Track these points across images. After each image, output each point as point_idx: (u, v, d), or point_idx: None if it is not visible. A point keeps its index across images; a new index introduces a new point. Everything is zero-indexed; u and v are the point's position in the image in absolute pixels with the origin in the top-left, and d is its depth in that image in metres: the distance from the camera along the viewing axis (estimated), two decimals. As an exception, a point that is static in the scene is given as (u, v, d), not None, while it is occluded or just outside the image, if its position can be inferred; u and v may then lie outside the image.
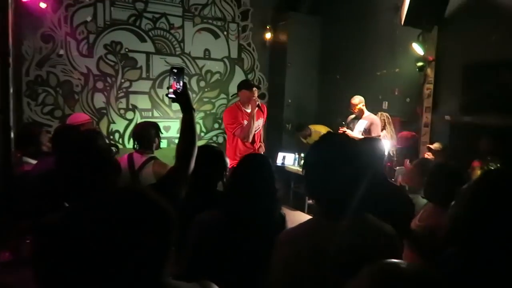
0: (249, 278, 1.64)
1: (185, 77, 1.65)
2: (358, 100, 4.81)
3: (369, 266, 0.72)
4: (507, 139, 3.61)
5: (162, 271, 0.99)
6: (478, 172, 2.85)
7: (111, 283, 0.96)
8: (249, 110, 4.08)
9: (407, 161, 4.01)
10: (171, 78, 1.59)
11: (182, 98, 1.61)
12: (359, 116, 4.86)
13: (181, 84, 1.59)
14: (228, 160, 2.31)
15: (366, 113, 4.85)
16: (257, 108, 4.00)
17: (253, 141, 4.18)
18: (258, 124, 4.17)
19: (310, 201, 5.07)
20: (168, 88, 1.60)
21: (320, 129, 5.62)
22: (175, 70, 1.60)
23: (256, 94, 4.07)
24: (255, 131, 4.12)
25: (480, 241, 1.02)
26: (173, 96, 1.59)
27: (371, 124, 4.75)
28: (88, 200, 1.34)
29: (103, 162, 1.40)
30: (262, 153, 4.23)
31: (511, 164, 3.16)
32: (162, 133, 3.07)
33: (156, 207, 0.99)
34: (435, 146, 4.16)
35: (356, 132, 4.73)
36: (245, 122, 4.06)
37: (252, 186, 1.75)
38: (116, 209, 0.98)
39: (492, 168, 2.79)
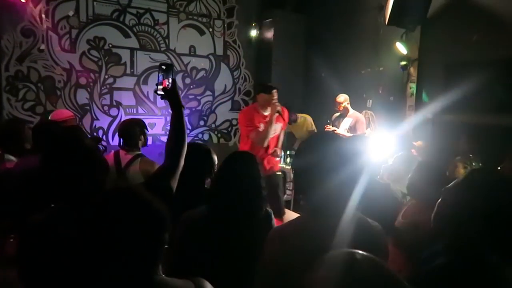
0: (236, 275, 1.65)
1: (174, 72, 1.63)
2: (343, 99, 4.87)
3: (328, 255, 0.76)
4: (486, 137, 3.71)
5: (154, 269, 1.00)
6: (461, 170, 2.92)
7: (101, 282, 0.96)
8: (266, 113, 3.82)
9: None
10: (159, 74, 1.57)
11: (171, 95, 1.59)
12: (344, 114, 4.92)
13: (170, 81, 1.57)
14: (215, 158, 2.31)
15: (351, 111, 4.90)
16: (277, 114, 3.74)
17: (267, 146, 3.88)
18: (275, 128, 3.86)
19: (297, 198, 5.11)
20: (157, 85, 1.58)
21: (306, 116, 5.67)
22: (164, 67, 1.58)
23: (275, 96, 3.79)
24: (272, 134, 3.84)
25: (467, 238, 1.05)
26: (162, 93, 1.58)
27: (356, 122, 4.81)
28: (75, 199, 1.33)
29: (92, 162, 1.38)
30: (277, 158, 4.06)
31: (490, 162, 3.25)
32: (147, 130, 3.04)
33: (148, 206, 0.99)
34: (418, 143, 4.25)
35: (342, 130, 4.79)
36: (261, 125, 3.77)
37: (237, 183, 1.76)
38: (108, 209, 0.97)
39: (476, 167, 2.87)
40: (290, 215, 3.85)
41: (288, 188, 5.50)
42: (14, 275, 1.36)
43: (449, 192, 1.12)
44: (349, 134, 4.51)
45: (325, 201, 1.23)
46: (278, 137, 4.02)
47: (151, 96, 5.65)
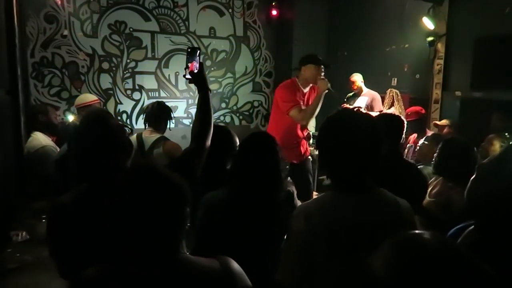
0: (258, 255, 1.66)
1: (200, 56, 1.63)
2: (357, 77, 4.78)
3: (391, 238, 0.71)
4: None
5: (178, 246, 1.00)
6: (496, 145, 2.81)
7: (128, 259, 0.98)
8: (306, 91, 3.47)
9: (414, 136, 3.98)
10: (188, 58, 1.58)
11: (198, 78, 1.61)
12: (358, 93, 4.83)
13: (197, 64, 1.58)
14: (236, 139, 2.29)
15: (365, 89, 4.81)
16: (327, 91, 3.31)
17: (298, 134, 3.54)
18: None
19: (321, 177, 5.09)
20: (185, 68, 1.59)
21: None
22: (191, 50, 1.59)
23: (322, 73, 3.39)
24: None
25: (501, 216, 1.01)
26: (189, 77, 1.59)
27: (372, 100, 4.72)
28: (100, 179, 1.35)
29: (117, 143, 1.39)
30: (310, 141, 3.78)
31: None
32: (173, 115, 3.06)
33: (168, 180, 0.99)
34: (442, 122, 4.13)
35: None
36: (301, 103, 3.39)
37: (256, 164, 1.75)
38: (128, 183, 0.98)
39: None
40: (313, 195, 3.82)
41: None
42: (46, 254, 1.41)
43: (484, 168, 1.08)
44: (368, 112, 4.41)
45: (350, 178, 1.21)
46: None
47: (172, 79, 5.67)
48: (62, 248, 1.34)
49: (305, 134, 3.63)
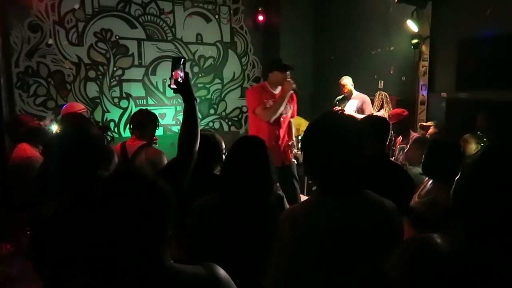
0: (248, 260, 1.64)
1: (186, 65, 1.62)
2: (347, 81, 4.80)
3: (404, 245, 0.72)
4: (504, 114, 3.61)
5: (162, 253, 0.99)
6: (472, 146, 2.85)
7: (112, 268, 0.96)
8: (276, 92, 3.58)
9: (400, 138, 4.02)
10: (172, 68, 1.57)
11: (184, 88, 1.59)
12: (348, 97, 4.85)
13: (183, 74, 1.57)
14: (222, 143, 2.28)
15: (355, 93, 4.84)
16: (291, 92, 3.49)
17: (278, 137, 3.62)
18: (286, 109, 3.62)
19: (311, 181, 5.09)
20: (170, 78, 1.57)
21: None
22: (177, 60, 1.58)
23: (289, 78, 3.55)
24: (284, 114, 3.59)
25: (485, 212, 1.01)
26: (174, 86, 1.57)
27: (363, 103, 4.75)
28: (83, 189, 1.32)
29: (95, 152, 1.38)
30: (292, 152, 3.80)
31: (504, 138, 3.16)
32: (158, 123, 3.04)
33: (150, 184, 0.98)
34: (428, 123, 4.18)
35: (350, 112, 4.72)
36: (270, 101, 3.52)
37: (247, 168, 1.74)
38: (110, 191, 0.96)
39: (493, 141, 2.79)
40: (303, 199, 3.80)
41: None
42: (31, 266, 1.38)
43: (467, 167, 1.08)
44: (358, 115, 4.43)
45: (336, 181, 1.20)
46: (289, 125, 3.77)
47: (160, 86, 5.65)
48: (46, 260, 1.31)
49: (282, 141, 3.66)
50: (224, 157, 2.22)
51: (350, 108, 4.78)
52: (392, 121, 3.93)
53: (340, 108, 4.72)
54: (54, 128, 2.96)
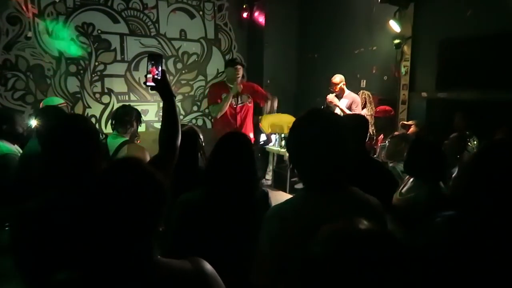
0: (233, 257, 1.65)
1: (163, 62, 1.59)
2: (339, 79, 4.77)
3: (328, 226, 0.77)
4: (482, 113, 3.71)
5: (152, 248, 0.98)
6: (456, 145, 2.93)
7: (101, 262, 0.95)
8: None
9: (382, 136, 4.08)
10: (148, 65, 1.53)
11: (161, 85, 1.56)
12: (340, 95, 4.87)
13: (160, 71, 1.54)
14: (201, 135, 2.34)
15: (347, 92, 4.85)
16: (235, 92, 4.12)
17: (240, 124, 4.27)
18: (243, 99, 4.28)
19: (293, 179, 5.13)
20: (145, 76, 1.54)
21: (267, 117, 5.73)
22: (153, 57, 1.55)
23: (240, 73, 4.15)
24: (239, 105, 4.25)
25: (483, 205, 1.05)
26: (152, 84, 1.54)
27: (352, 103, 4.77)
28: (71, 185, 1.30)
29: (92, 145, 1.36)
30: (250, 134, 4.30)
31: (485, 138, 3.25)
32: (142, 122, 3.01)
33: (150, 178, 0.97)
34: (409, 123, 4.26)
35: (338, 111, 4.75)
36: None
37: (232, 165, 1.75)
38: (112, 182, 0.95)
39: (474, 142, 2.87)
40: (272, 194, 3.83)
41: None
42: (9, 263, 1.34)
43: (466, 166, 1.12)
44: (348, 112, 4.48)
45: (322, 177, 1.21)
46: (247, 114, 4.32)
47: (143, 82, 5.57)
48: (28, 258, 1.28)
49: (240, 120, 4.27)
50: (202, 148, 2.25)
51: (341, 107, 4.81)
52: (378, 115, 4.00)
53: (325, 105, 4.75)
54: (33, 122, 2.88)
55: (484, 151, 1.15)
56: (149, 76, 1.53)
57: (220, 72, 6.27)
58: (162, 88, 1.57)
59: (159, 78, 1.54)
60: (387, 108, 4.17)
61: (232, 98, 4.20)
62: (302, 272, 0.79)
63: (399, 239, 0.77)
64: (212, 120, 4.58)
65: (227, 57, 6.31)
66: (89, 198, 0.96)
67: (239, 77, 4.13)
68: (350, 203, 1.20)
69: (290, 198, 1.32)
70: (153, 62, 1.54)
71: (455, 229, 1.13)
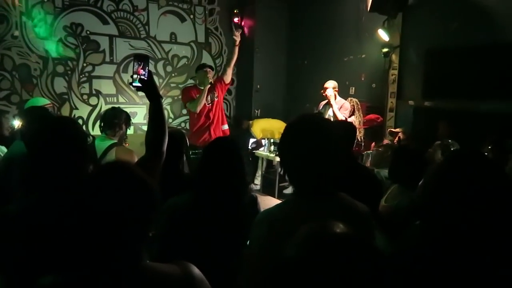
0: (221, 261, 1.64)
1: (150, 63, 1.58)
2: (331, 84, 4.80)
3: (305, 227, 0.77)
4: (465, 123, 3.78)
5: (142, 253, 0.97)
6: (439, 154, 2.98)
7: (89, 266, 0.93)
8: (205, 88, 4.46)
9: (373, 144, 4.12)
10: (135, 65, 1.52)
11: (148, 86, 1.55)
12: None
13: (146, 71, 1.53)
14: (186, 139, 2.35)
15: (338, 98, 4.89)
16: (209, 85, 4.42)
17: (212, 119, 4.61)
18: (213, 96, 4.60)
19: (282, 184, 5.14)
20: (131, 76, 1.53)
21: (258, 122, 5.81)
22: (140, 58, 1.54)
23: (210, 75, 4.43)
24: (214, 100, 4.58)
25: (445, 222, 1.06)
26: (138, 84, 1.53)
27: (340, 108, 4.81)
28: (55, 187, 1.28)
29: (80, 149, 1.34)
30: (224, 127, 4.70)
31: (467, 146, 3.31)
32: (131, 125, 2.99)
33: (142, 183, 0.96)
34: (397, 130, 4.32)
35: (330, 113, 4.79)
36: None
37: (220, 170, 1.74)
38: (102, 186, 0.94)
39: (455, 149, 2.92)
40: (260, 199, 3.86)
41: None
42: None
43: (430, 174, 1.13)
44: (341, 116, 4.50)
45: (312, 182, 1.22)
46: (217, 108, 4.62)
47: (128, 83, 5.54)
48: (10, 261, 1.26)
49: (212, 116, 4.56)
50: (188, 152, 2.26)
51: (328, 113, 4.84)
52: (365, 126, 4.02)
53: (317, 110, 4.78)
54: (17, 123, 2.83)
55: (449, 160, 1.17)
56: (135, 76, 1.52)
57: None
58: (149, 89, 1.56)
59: (145, 79, 1.53)
60: (373, 116, 4.21)
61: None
62: (274, 274, 0.79)
63: (375, 244, 0.77)
64: (189, 118, 4.82)
65: (217, 61, 6.32)
66: (76, 201, 0.94)
67: (209, 78, 4.42)
68: (338, 209, 1.21)
69: (279, 203, 1.33)
70: (139, 62, 1.53)
71: (420, 237, 1.15)
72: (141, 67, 1.52)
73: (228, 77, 4.74)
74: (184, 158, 2.30)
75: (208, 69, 4.48)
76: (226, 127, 4.75)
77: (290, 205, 1.27)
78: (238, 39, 4.75)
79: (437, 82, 4.30)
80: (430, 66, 4.39)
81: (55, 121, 1.48)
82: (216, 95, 4.62)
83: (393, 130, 4.43)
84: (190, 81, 6.09)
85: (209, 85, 4.40)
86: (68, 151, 1.31)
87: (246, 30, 6.29)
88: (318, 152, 1.21)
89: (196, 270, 1.05)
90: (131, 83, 1.55)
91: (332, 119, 4.71)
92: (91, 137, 2.42)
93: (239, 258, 1.30)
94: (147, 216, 0.96)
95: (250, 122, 5.86)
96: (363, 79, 5.27)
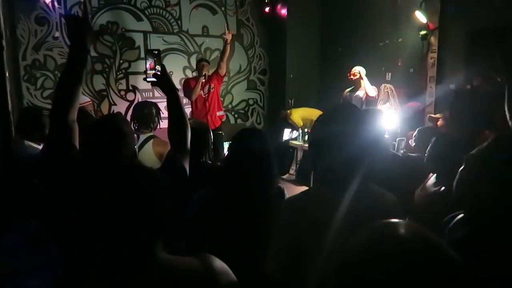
0: (248, 254, 1.64)
1: (183, 57, 1.62)
2: (357, 70, 4.74)
3: (369, 224, 0.71)
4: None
5: (156, 245, 0.98)
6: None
7: (106, 258, 0.95)
8: (203, 79, 4.93)
9: (413, 133, 3.96)
10: (148, 60, 1.55)
11: (162, 80, 1.56)
12: (356, 88, 4.80)
13: (159, 66, 1.54)
14: (210, 132, 2.35)
15: (363, 84, 4.78)
16: (203, 77, 4.87)
17: (209, 107, 5.09)
18: (209, 88, 5.05)
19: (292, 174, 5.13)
20: (145, 72, 1.55)
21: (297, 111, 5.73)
22: (152, 53, 1.56)
23: (206, 68, 4.89)
24: (211, 91, 5.05)
25: (486, 211, 0.99)
26: (152, 79, 1.55)
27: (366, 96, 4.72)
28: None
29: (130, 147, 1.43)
30: (220, 120, 5.23)
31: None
32: (161, 113, 3.03)
33: (148, 173, 0.97)
34: (437, 116, 4.11)
35: (360, 93, 4.71)
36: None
37: (248, 161, 1.73)
38: (105, 178, 0.96)
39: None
40: (295, 190, 3.82)
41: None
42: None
43: (471, 159, 1.05)
44: (372, 91, 4.59)
45: (338, 171, 1.19)
46: (213, 98, 5.06)
47: (143, 78, 5.64)
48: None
49: (208, 105, 5.06)
50: (211, 144, 2.28)
51: (356, 99, 4.73)
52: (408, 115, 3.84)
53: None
54: None
55: (490, 145, 1.08)
56: (150, 71, 1.54)
57: (244, 69, 6.30)
58: (164, 82, 1.57)
59: (159, 73, 1.54)
60: (412, 105, 4.05)
61: (201, 90, 4.96)
62: (338, 275, 0.70)
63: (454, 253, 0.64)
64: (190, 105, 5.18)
65: (249, 52, 6.31)
66: (87, 195, 0.97)
67: (205, 71, 4.89)
68: (365, 199, 1.18)
69: (305, 190, 1.32)
70: (152, 57, 1.55)
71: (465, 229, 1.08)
72: (154, 61, 1.54)
73: (223, 70, 5.08)
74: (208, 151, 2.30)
75: (205, 63, 4.94)
76: (221, 113, 5.29)
77: (315, 192, 1.27)
78: (229, 38, 5.00)
79: (481, 64, 4.05)
80: (473, 47, 4.14)
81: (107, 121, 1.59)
82: (212, 86, 5.06)
83: (432, 116, 4.22)
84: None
85: (203, 78, 4.90)
86: (119, 146, 1.39)
87: (278, 18, 6.22)
88: (348, 143, 1.17)
89: (217, 263, 1.04)
90: (145, 78, 1.57)
91: (363, 98, 4.63)
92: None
93: (265, 250, 1.29)
94: (158, 206, 0.96)
95: (288, 111, 5.80)
96: (400, 64, 5.06)
